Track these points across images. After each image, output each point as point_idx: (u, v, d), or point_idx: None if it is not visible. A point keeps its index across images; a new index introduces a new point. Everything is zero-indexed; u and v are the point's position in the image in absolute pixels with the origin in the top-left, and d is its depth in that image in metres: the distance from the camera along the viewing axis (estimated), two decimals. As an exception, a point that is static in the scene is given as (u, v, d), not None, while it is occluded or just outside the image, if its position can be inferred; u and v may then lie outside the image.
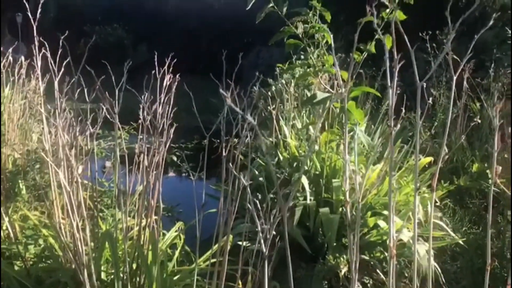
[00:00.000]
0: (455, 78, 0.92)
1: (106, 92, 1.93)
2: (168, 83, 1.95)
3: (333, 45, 1.49)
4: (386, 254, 2.46)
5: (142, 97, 1.98)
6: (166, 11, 16.77)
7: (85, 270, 1.35)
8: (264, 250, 0.89)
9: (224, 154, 1.48)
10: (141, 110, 1.92)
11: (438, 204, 3.00)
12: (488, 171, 3.12)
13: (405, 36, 0.84)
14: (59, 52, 2.02)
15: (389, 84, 0.87)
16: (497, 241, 2.77)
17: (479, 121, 2.39)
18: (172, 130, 1.98)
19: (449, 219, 2.97)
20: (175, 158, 3.76)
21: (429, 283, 1.14)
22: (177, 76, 2.01)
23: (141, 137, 2.24)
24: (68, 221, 1.79)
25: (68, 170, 1.83)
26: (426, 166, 2.96)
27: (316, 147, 2.97)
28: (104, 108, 1.82)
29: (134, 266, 1.91)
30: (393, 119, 2.97)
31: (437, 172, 1.05)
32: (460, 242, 2.59)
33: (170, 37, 14.57)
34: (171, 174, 4.95)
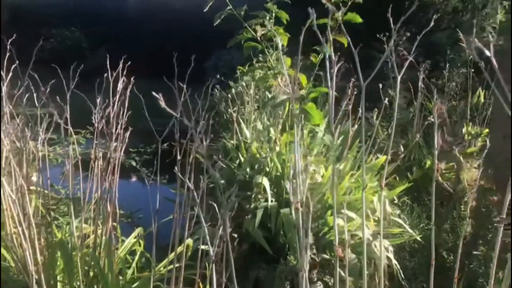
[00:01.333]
0: (399, 77, 0.95)
1: (57, 97, 1.88)
2: (122, 86, 1.91)
3: (279, 46, 1.50)
4: (346, 252, 2.49)
5: (97, 101, 1.94)
6: (126, 13, 16.48)
7: (34, 281, 1.31)
8: (212, 253, 0.89)
9: (178, 157, 1.46)
10: (93, 114, 1.88)
11: (396, 201, 3.06)
12: (445, 168, 3.23)
13: (349, 38, 0.86)
14: (7, 56, 1.95)
15: (329, 84, 0.88)
16: (452, 235, 2.87)
17: (433, 119, 2.46)
18: (127, 134, 1.94)
19: (407, 216, 3.04)
20: (134, 163, 3.70)
21: (381, 277, 1.17)
22: (132, 78, 1.98)
23: (97, 142, 2.20)
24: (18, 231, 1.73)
25: (18, 177, 1.76)
26: (384, 164, 3.02)
27: (277, 149, 2.99)
28: (55, 112, 1.76)
29: (91, 274, 1.86)
30: (351, 119, 3.02)
31: (385, 172, 1.07)
32: (418, 238, 2.66)
33: (131, 40, 14.33)
34: (134, 179, 4.86)
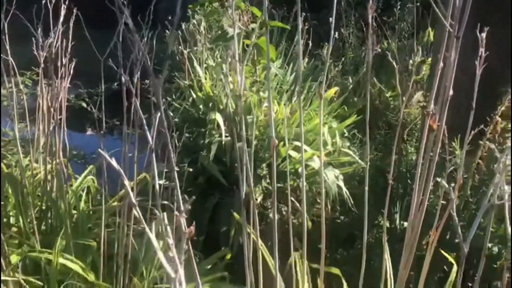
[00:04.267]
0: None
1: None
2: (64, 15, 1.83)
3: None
4: (298, 181, 2.59)
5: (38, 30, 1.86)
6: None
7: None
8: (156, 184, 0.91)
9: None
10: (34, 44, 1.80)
11: (346, 135, 3.16)
12: (391, 102, 3.35)
13: None
14: None
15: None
16: (400, 165, 3.02)
17: (379, 50, 2.55)
18: (72, 66, 1.89)
19: (357, 148, 3.16)
20: (84, 104, 3.59)
21: (322, 202, 1.23)
22: (74, 9, 1.89)
23: (45, 83, 2.13)
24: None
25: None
26: (334, 98, 3.10)
27: (231, 86, 2.99)
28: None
29: (44, 207, 1.86)
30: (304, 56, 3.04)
31: (324, 80, 1.10)
32: (366, 167, 2.78)
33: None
34: (89, 132, 4.75)
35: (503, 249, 1.85)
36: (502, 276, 0.99)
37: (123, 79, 1.22)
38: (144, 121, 0.85)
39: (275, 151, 1.03)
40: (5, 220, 1.93)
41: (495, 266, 1.81)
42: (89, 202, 2.25)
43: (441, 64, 0.78)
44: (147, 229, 0.53)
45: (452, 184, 1.62)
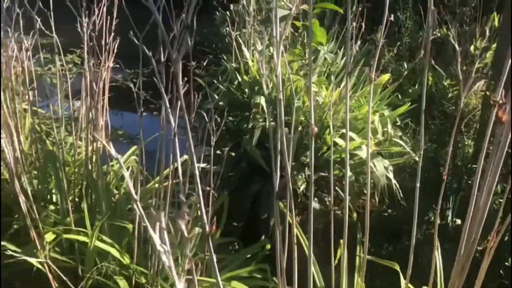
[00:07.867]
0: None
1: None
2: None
3: None
4: (344, 171, 2.47)
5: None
6: None
7: (17, 187, 1.29)
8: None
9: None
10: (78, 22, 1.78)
11: (399, 124, 3.00)
12: (449, 90, 3.12)
13: None
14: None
15: None
16: (455, 158, 2.82)
17: (438, 34, 2.36)
18: (115, 44, 1.86)
19: (409, 138, 2.99)
20: (131, 85, 3.59)
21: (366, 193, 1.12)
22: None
23: (88, 60, 2.13)
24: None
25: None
26: (388, 85, 2.93)
27: (278, 69, 2.89)
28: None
29: (84, 185, 1.86)
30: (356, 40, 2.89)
31: (374, 63, 1.00)
32: (417, 159, 2.61)
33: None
34: (143, 113, 4.78)
35: None
36: None
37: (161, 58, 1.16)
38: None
39: (313, 140, 0.94)
40: (48, 197, 1.96)
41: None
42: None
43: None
44: (147, 224, 0.46)
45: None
